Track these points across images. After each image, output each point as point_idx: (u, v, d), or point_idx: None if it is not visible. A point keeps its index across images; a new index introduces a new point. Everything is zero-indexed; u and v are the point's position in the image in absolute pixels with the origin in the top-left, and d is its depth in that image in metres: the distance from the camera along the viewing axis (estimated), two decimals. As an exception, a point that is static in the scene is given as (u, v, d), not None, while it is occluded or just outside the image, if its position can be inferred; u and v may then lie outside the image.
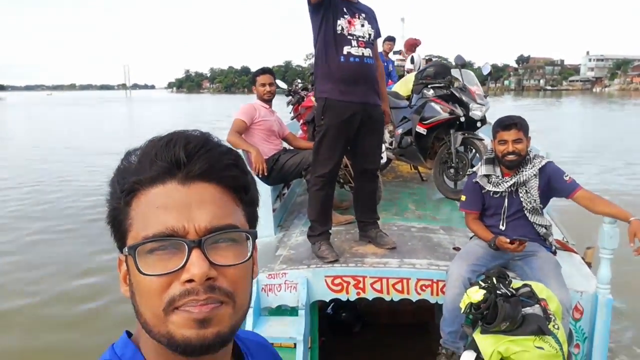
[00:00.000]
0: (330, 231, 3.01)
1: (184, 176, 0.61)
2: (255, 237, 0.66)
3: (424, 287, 2.73)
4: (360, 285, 2.76)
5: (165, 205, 0.60)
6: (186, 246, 0.59)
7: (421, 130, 4.34)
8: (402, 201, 4.17)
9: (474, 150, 4.32)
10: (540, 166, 2.66)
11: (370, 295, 2.77)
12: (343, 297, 2.79)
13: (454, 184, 4.30)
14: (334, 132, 2.83)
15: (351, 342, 4.13)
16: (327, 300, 2.86)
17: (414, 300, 2.76)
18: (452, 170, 4.19)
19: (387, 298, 2.77)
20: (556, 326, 2.02)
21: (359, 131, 2.90)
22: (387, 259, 2.86)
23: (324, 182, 2.85)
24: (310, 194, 2.97)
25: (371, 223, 3.11)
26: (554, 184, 2.64)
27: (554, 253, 2.77)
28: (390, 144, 4.83)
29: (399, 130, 4.69)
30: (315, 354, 3.02)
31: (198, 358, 0.62)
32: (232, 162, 0.65)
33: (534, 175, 2.66)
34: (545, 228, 2.75)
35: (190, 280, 0.58)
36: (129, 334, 0.69)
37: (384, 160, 4.52)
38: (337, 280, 2.78)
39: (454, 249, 3.03)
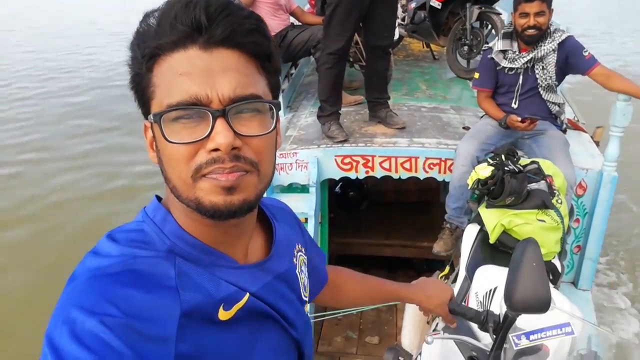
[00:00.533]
0: (340, 112, 3.00)
1: (206, 41, 0.59)
2: (278, 107, 0.65)
3: (432, 166, 2.78)
4: (369, 164, 2.82)
5: (188, 72, 0.59)
6: (210, 115, 0.59)
7: (436, 4, 4.11)
8: (413, 81, 4.09)
9: (489, 27, 4.12)
10: (560, 40, 2.55)
11: (378, 173, 2.84)
12: (352, 175, 2.86)
13: (467, 63, 4.17)
14: (345, 6, 2.69)
15: (358, 218, 4.32)
16: (337, 179, 2.94)
17: (421, 179, 2.83)
18: (465, 48, 4.05)
19: (395, 176, 2.84)
20: (559, 201, 2.08)
21: (372, 5, 2.75)
22: (397, 139, 2.88)
23: (335, 60, 2.77)
24: (320, 72, 2.90)
25: (381, 103, 3.08)
26: (571, 59, 2.55)
27: (564, 132, 2.77)
28: (403, 19, 4.61)
29: (412, 5, 4.45)
30: (325, 228, 3.18)
31: (225, 222, 0.64)
32: (255, 28, 0.62)
33: (553, 50, 2.56)
34: (558, 106, 2.72)
35: (216, 150, 0.59)
36: (158, 199, 0.72)
37: (396, 37, 4.35)
38: (347, 160, 2.83)
39: (464, 128, 3.03)
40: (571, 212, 2.67)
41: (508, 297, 1.03)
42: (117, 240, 0.65)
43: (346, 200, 4.43)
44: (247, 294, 0.69)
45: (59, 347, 0.52)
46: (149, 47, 0.60)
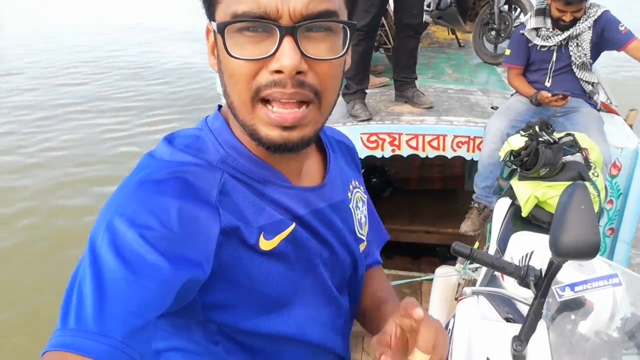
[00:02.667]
0: (366, 90, 2.96)
1: None
2: (354, 30, 0.60)
3: (460, 144, 2.73)
4: (396, 142, 2.77)
5: None
6: (278, 32, 0.55)
7: (463, -13, 4.05)
8: (439, 65, 4.03)
9: (518, 10, 4.04)
10: (595, 17, 2.48)
11: (405, 152, 2.79)
12: (378, 154, 2.82)
13: (494, 48, 4.10)
14: None
15: (381, 204, 4.27)
16: (362, 157, 2.91)
17: (449, 157, 2.78)
18: (493, 33, 3.97)
19: (422, 155, 2.79)
20: (596, 174, 2.02)
21: None
22: (424, 117, 2.83)
23: (362, 36, 2.73)
24: None
25: (408, 82, 3.03)
26: (607, 34, 2.48)
27: (598, 110, 2.69)
28: (428, 5, 4.55)
29: (439, -11, 4.39)
30: None
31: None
32: None
33: (588, 27, 2.49)
34: (592, 85, 2.65)
35: (279, 71, 0.56)
36: (219, 108, 0.70)
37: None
38: (373, 138, 2.79)
39: (492, 108, 2.97)
40: (604, 192, 2.59)
41: (554, 242, 0.98)
42: (173, 143, 0.64)
43: (369, 187, 4.37)
44: (293, 224, 0.66)
45: (98, 254, 0.52)
46: None
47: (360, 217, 0.82)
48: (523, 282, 1.13)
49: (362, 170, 3.50)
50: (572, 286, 1.08)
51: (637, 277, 1.21)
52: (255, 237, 0.63)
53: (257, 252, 0.63)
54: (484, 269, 2.03)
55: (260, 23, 0.55)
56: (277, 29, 0.55)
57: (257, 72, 0.57)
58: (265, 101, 0.58)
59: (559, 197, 1.03)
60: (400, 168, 4.37)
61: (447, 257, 4.13)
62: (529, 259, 1.51)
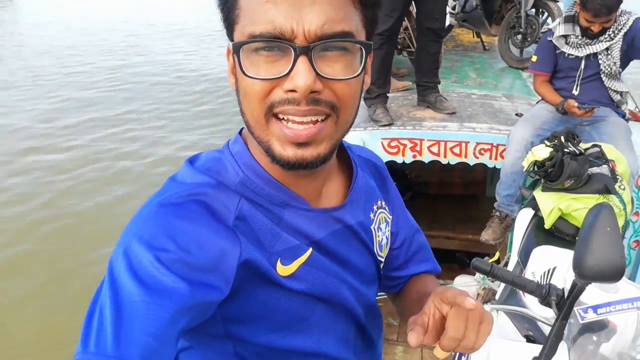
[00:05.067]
0: (387, 94, 2.94)
1: None
2: (369, 49, 0.60)
3: (482, 151, 2.69)
4: (417, 147, 2.75)
5: (274, 1, 0.55)
6: (293, 51, 0.55)
7: (489, -9, 3.99)
8: (462, 69, 3.98)
9: (545, 14, 3.97)
10: (627, 29, 2.41)
11: (426, 158, 2.77)
12: (399, 159, 2.80)
13: (520, 52, 4.03)
14: None
15: None
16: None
17: (471, 164, 2.75)
18: (519, 37, 3.91)
19: (444, 161, 2.76)
20: (622, 187, 1.97)
21: None
22: (446, 123, 2.80)
23: (383, 40, 2.71)
24: None
25: (431, 87, 3.00)
26: (637, 42, 2.41)
27: (626, 120, 2.62)
28: (453, 8, 4.50)
29: (464, -8, 4.33)
30: None
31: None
32: None
33: (619, 39, 2.43)
34: (621, 95, 2.58)
35: (293, 91, 0.56)
36: (241, 130, 0.71)
37: (446, 25, 4.25)
38: (394, 143, 2.77)
39: (517, 114, 2.92)
40: (631, 204, 2.53)
41: (578, 264, 0.96)
42: (195, 165, 0.65)
43: (389, 190, 4.37)
44: (310, 249, 0.66)
45: (117, 278, 0.53)
46: None
47: (382, 238, 0.82)
48: (545, 301, 1.11)
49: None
50: (595, 308, 1.06)
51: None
52: (272, 263, 0.63)
53: (275, 277, 0.63)
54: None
55: (276, 43, 0.55)
56: (292, 49, 0.55)
57: (271, 90, 0.57)
58: (279, 117, 0.59)
59: (584, 217, 1.01)
60: (421, 172, 4.33)
61: (467, 263, 4.09)
62: (551, 275, 1.48)
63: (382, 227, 0.82)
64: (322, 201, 0.72)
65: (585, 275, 0.96)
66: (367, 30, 0.63)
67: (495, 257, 2.42)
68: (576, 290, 0.99)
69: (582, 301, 1.13)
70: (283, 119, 0.58)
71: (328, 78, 0.57)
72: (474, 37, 4.94)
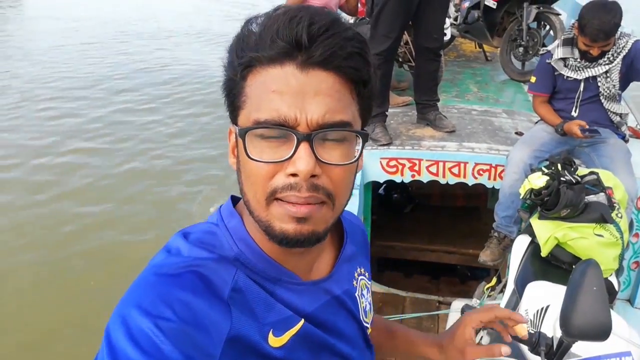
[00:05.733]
0: (386, 113, 2.94)
1: (304, 61, 0.58)
2: (366, 138, 0.64)
3: (481, 172, 2.69)
4: (416, 167, 2.75)
5: (280, 91, 0.58)
6: (296, 138, 0.58)
7: (491, 3, 3.98)
8: (464, 82, 3.97)
9: (547, 27, 3.95)
10: (626, 51, 2.39)
11: (425, 178, 2.77)
12: (397, 179, 2.80)
13: (522, 65, 4.02)
14: (393, 6, 2.63)
15: (401, 221, 4.25)
16: (382, 182, 2.89)
17: (469, 185, 2.74)
18: (520, 49, 3.89)
19: (443, 181, 2.76)
20: (619, 215, 1.96)
21: (421, 5, 2.68)
22: (445, 142, 2.79)
23: (382, 60, 2.71)
24: None
25: (430, 105, 3.00)
26: (637, 65, 2.40)
27: (626, 141, 2.61)
28: (455, 19, 4.49)
29: (466, 4, 4.32)
30: (367, 231, 3.13)
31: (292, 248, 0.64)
32: (357, 51, 0.60)
33: (618, 63, 2.41)
34: (620, 116, 2.57)
35: (294, 175, 0.58)
36: (233, 200, 0.72)
37: (447, 37, 4.24)
38: (392, 162, 2.77)
39: (516, 133, 2.91)
40: (630, 225, 2.51)
41: (564, 322, 0.96)
42: (189, 239, 0.66)
43: (390, 202, 4.36)
44: (302, 321, 0.67)
45: (115, 345, 0.54)
46: (247, 57, 0.60)
47: (365, 304, 0.83)
48: (534, 350, 1.11)
49: (384, 186, 3.45)
50: (583, 362, 1.05)
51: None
52: (264, 334, 0.64)
53: (266, 349, 0.64)
54: (505, 297, 1.99)
55: (280, 130, 0.59)
56: (294, 135, 0.58)
57: (274, 174, 0.60)
58: (280, 200, 0.61)
59: (571, 273, 1.01)
60: (423, 184, 4.32)
61: (467, 276, 4.09)
62: (545, 313, 1.48)
63: (364, 294, 0.83)
64: (313, 273, 0.73)
65: (571, 334, 0.95)
66: (363, 119, 0.66)
67: (492, 283, 2.41)
68: (563, 347, 0.99)
69: (572, 352, 1.12)
70: (284, 201, 0.61)
71: (327, 163, 0.60)
72: (476, 47, 4.92)
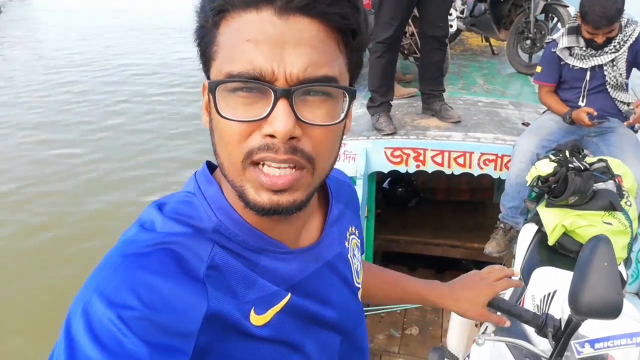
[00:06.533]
0: (391, 102, 2.90)
1: (283, 5, 0.51)
2: (353, 96, 0.57)
3: (487, 162, 2.65)
4: (421, 157, 2.71)
5: (256, 40, 0.52)
6: (273, 94, 0.52)
7: (498, -5, 3.93)
8: (470, 75, 3.93)
9: (555, 19, 3.90)
10: (632, 40, 2.35)
11: (430, 168, 2.73)
12: (402, 169, 2.76)
13: (529, 58, 3.97)
14: None
15: (406, 215, 4.21)
16: (386, 172, 2.86)
17: (475, 175, 2.70)
18: (528, 42, 3.84)
19: (448, 172, 2.72)
20: (629, 203, 1.92)
21: None
22: (450, 132, 2.76)
23: (385, 48, 2.68)
24: (371, 61, 2.81)
25: (436, 95, 2.96)
26: None
27: (635, 131, 2.56)
28: (462, 12, 4.44)
29: (473, -4, 4.28)
30: (371, 223, 3.10)
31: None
32: None
33: (625, 52, 2.37)
34: (628, 105, 2.52)
35: (272, 135, 0.53)
36: (209, 167, 0.67)
37: (453, 30, 4.20)
38: (397, 152, 2.74)
39: (523, 124, 2.87)
40: (637, 222, 2.47)
41: (573, 300, 0.92)
42: (164, 210, 0.61)
43: (394, 196, 4.33)
44: (288, 295, 0.63)
45: (74, 338, 0.50)
46: (219, 0, 0.53)
47: (357, 265, 0.79)
48: (541, 332, 1.08)
49: (388, 180, 3.41)
50: (592, 343, 1.02)
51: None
52: (245, 312, 0.60)
53: (248, 328, 0.60)
54: (508, 294, 1.96)
55: (255, 84, 0.52)
56: (272, 91, 0.52)
57: (249, 134, 0.54)
58: (256, 163, 0.56)
59: (581, 250, 0.97)
60: (428, 178, 4.29)
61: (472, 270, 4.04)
62: (552, 298, 1.44)
63: (356, 254, 0.80)
64: (302, 240, 0.69)
65: (580, 311, 0.92)
66: (352, 74, 0.60)
67: (498, 272, 2.37)
68: (571, 326, 0.96)
69: (580, 333, 1.09)
70: (259, 163, 0.55)
71: (308, 123, 0.54)
72: (482, 41, 4.87)
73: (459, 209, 4.18)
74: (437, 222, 4.03)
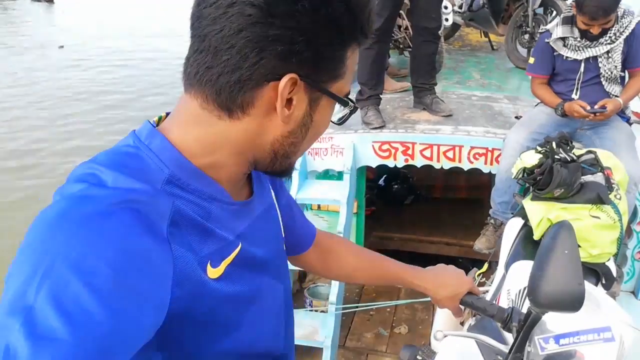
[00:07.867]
0: (380, 96, 2.84)
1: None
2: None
3: (477, 156, 2.58)
4: (409, 151, 2.65)
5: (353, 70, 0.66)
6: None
7: (496, -12, 3.86)
8: (466, 69, 3.85)
9: (554, 12, 3.82)
10: (629, 32, 2.26)
11: (419, 162, 2.66)
12: (390, 163, 2.70)
13: (527, 52, 3.88)
14: None
15: (402, 212, 4.14)
16: (374, 166, 2.79)
17: (465, 169, 2.63)
18: (526, 36, 3.76)
19: (437, 166, 2.65)
20: (618, 196, 1.84)
21: None
22: (440, 126, 2.69)
23: (374, 40, 2.61)
24: (360, 53, 2.73)
25: (427, 89, 2.89)
26: (637, 45, 2.27)
27: (630, 124, 2.48)
28: (460, 6, 4.37)
29: (470, -10, 4.21)
30: (360, 219, 3.04)
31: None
32: None
33: (620, 43, 2.28)
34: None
35: None
36: (150, 123, 0.64)
37: (449, 23, 4.13)
38: (385, 146, 2.67)
39: (516, 117, 2.80)
40: (634, 213, 2.38)
41: (532, 291, 0.85)
42: (106, 164, 0.57)
43: (390, 193, 4.26)
44: (239, 246, 0.65)
45: (33, 307, 0.44)
46: (367, 29, 0.63)
47: (280, 217, 0.83)
48: (506, 327, 1.01)
49: (384, 177, 3.36)
50: (557, 338, 0.95)
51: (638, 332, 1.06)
52: (204, 267, 0.59)
53: (209, 283, 0.60)
54: (491, 291, 1.89)
55: (353, 104, 0.68)
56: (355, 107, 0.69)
57: None
58: None
59: (543, 237, 0.90)
60: (424, 175, 4.21)
61: (469, 269, 3.95)
62: (525, 294, 1.37)
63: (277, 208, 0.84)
64: (240, 195, 0.70)
65: (540, 303, 0.85)
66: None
67: (484, 269, 2.30)
68: (531, 320, 0.89)
69: (546, 328, 1.02)
70: None
71: None
72: (481, 36, 4.80)
73: (456, 207, 4.11)
74: (433, 219, 3.96)
